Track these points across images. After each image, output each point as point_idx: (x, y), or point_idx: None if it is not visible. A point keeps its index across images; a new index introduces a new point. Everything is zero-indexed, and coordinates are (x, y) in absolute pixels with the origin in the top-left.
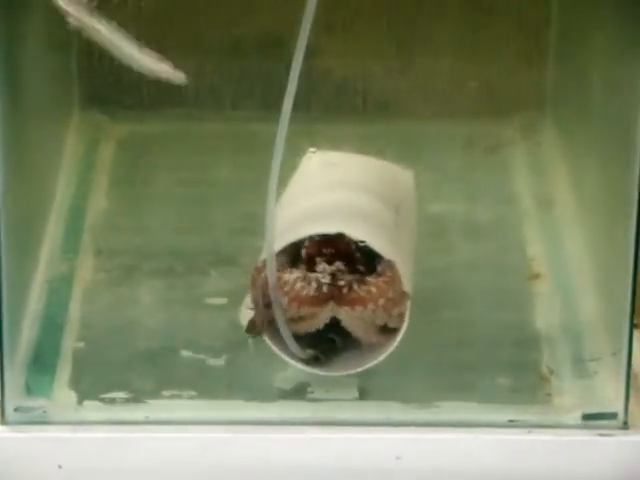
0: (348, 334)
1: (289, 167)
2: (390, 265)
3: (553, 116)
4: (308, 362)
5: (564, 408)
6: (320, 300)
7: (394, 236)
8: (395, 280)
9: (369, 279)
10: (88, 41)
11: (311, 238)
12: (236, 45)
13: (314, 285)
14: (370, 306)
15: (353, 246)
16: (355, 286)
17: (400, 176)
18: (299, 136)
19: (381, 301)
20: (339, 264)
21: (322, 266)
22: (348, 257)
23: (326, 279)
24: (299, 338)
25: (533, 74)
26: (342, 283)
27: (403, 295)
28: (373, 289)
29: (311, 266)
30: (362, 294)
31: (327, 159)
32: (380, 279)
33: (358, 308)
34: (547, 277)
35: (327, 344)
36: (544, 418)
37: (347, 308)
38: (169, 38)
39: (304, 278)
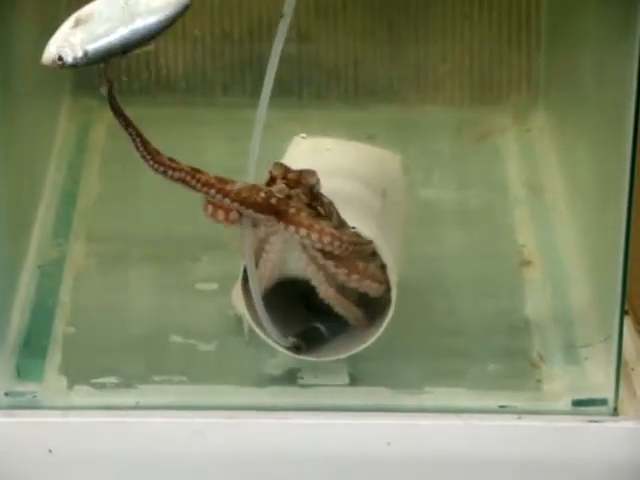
0: (334, 322)
1: (279, 152)
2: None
3: (545, 102)
4: (289, 349)
5: (554, 394)
6: (263, 208)
7: (379, 221)
8: (353, 240)
9: (326, 221)
10: None
11: (280, 163)
12: (228, 31)
13: (262, 195)
14: (315, 235)
15: (320, 191)
16: (304, 213)
17: (388, 161)
18: (289, 121)
19: (327, 239)
20: (299, 191)
21: (281, 186)
22: (311, 194)
23: (279, 194)
24: (284, 325)
25: (525, 60)
26: (292, 205)
27: (357, 257)
28: (324, 224)
29: (270, 185)
30: (311, 221)
31: (315, 145)
32: (339, 229)
33: (302, 231)
34: (538, 264)
35: (311, 332)
36: (534, 404)
37: (292, 228)
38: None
39: (254, 187)
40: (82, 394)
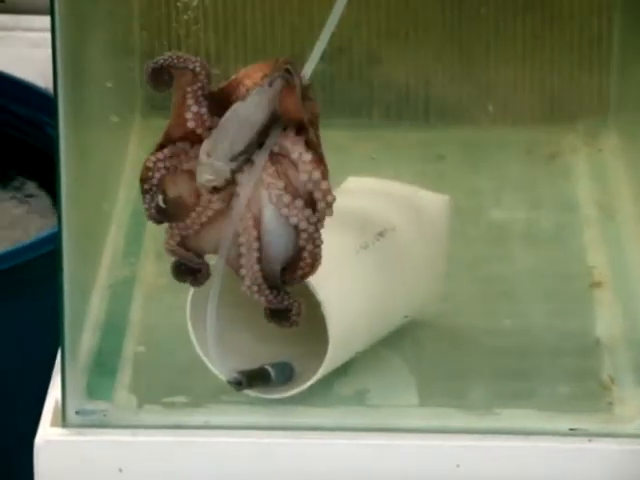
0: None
1: (348, 171)
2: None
3: (616, 123)
4: (229, 382)
5: (625, 417)
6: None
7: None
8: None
9: None
10: (151, 46)
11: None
12: (299, 55)
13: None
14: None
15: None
16: None
17: (428, 202)
18: (359, 142)
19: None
20: None
21: None
22: None
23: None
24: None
25: (596, 80)
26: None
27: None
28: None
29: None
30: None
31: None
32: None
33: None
34: (608, 285)
35: (258, 373)
36: (605, 427)
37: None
38: (228, 54)
39: None
40: (152, 413)
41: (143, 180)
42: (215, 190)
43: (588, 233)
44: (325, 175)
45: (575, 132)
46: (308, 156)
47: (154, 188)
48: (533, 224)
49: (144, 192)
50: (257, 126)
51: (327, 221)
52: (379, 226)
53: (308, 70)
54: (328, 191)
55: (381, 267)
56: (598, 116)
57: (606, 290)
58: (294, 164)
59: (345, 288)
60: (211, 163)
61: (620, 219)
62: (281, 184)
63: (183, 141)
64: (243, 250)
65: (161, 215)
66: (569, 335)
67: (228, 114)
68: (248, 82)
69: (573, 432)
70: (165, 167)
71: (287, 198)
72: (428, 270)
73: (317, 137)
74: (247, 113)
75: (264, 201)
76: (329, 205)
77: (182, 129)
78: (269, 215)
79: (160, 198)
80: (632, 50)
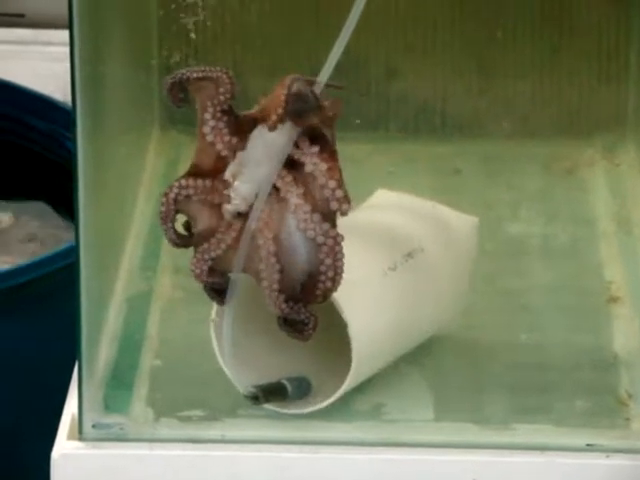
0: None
1: (364, 184)
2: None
3: (634, 137)
4: (246, 396)
5: None
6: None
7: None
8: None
9: None
10: (168, 60)
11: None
12: (313, 69)
13: None
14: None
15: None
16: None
17: (457, 222)
18: (376, 155)
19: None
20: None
21: None
22: None
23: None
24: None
25: (614, 94)
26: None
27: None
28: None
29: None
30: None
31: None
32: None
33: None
34: (626, 300)
35: (275, 388)
36: (622, 442)
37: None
38: (247, 64)
39: None
40: (168, 426)
41: (162, 204)
42: (239, 215)
43: (605, 248)
44: (341, 183)
45: (593, 146)
46: (324, 165)
47: (171, 212)
48: (550, 238)
49: (161, 214)
50: (282, 150)
51: (356, 240)
52: (408, 247)
53: (324, 75)
54: (344, 199)
55: (408, 289)
56: (616, 130)
57: (623, 305)
58: (311, 173)
59: (371, 309)
60: (237, 187)
61: (638, 234)
62: (300, 191)
63: (212, 173)
64: (263, 256)
65: (184, 242)
66: (586, 350)
67: (253, 135)
68: (271, 111)
69: (590, 448)
70: (186, 195)
71: (306, 208)
72: (453, 291)
73: (333, 136)
74: (272, 137)
75: (284, 209)
76: (344, 213)
77: (203, 143)
78: (288, 223)
79: (182, 225)
80: None
